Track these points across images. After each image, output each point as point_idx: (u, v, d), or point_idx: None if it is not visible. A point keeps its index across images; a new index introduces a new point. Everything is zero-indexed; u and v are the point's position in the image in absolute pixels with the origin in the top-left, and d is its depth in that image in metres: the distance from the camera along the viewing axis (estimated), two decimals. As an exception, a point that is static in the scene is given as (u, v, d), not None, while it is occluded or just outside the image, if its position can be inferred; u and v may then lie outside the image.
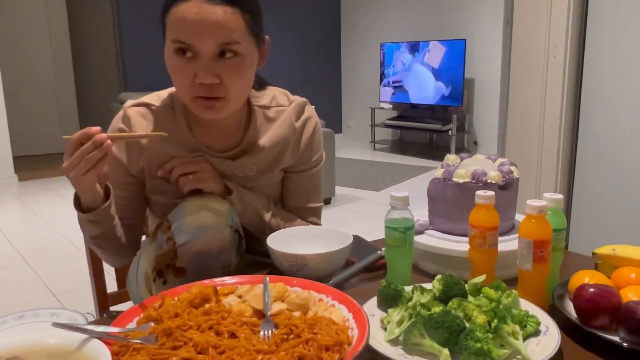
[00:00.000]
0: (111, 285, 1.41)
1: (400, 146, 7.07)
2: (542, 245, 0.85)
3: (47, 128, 6.64)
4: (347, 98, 8.10)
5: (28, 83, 6.59)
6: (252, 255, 1.18)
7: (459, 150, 6.25)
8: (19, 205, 4.53)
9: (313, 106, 1.23)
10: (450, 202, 1.03)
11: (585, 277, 0.87)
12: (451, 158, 1.12)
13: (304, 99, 1.21)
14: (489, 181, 1.00)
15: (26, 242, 3.56)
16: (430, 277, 1.04)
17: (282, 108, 1.17)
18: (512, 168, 1.04)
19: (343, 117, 8.20)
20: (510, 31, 1.67)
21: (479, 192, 0.91)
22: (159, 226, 1.00)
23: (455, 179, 1.02)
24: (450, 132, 6.03)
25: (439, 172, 1.06)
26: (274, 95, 1.18)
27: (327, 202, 4.39)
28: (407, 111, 6.68)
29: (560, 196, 0.90)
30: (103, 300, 1.39)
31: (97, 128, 0.91)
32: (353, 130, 8.02)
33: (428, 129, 6.32)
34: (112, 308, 1.41)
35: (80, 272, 2.70)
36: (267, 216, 1.15)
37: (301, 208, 1.23)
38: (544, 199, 0.90)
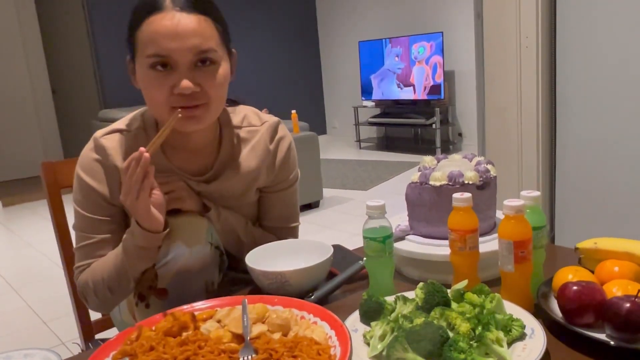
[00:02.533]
0: (95, 313, 1.38)
1: (386, 143, 7.07)
2: (522, 245, 0.83)
3: (29, 151, 6.57)
4: (329, 98, 8.09)
5: (7, 108, 6.51)
6: (234, 272, 1.16)
7: (445, 142, 6.27)
8: (4, 231, 4.47)
9: (285, 124, 1.22)
10: (428, 206, 1.01)
11: (569, 274, 0.85)
12: (427, 160, 1.11)
13: (276, 119, 1.18)
14: (466, 182, 0.99)
15: (13, 268, 3.51)
16: (414, 283, 1.02)
17: (254, 128, 1.14)
18: (489, 167, 1.03)
19: (327, 117, 8.19)
20: (481, 24, 1.66)
21: (456, 195, 0.89)
22: None
23: (432, 182, 1.00)
24: (434, 126, 6.04)
25: (415, 176, 1.04)
26: (245, 115, 1.16)
27: (315, 205, 4.37)
28: (390, 108, 6.68)
29: (538, 193, 0.89)
30: (87, 329, 1.36)
31: (141, 154, 0.89)
32: (338, 131, 8.01)
33: (412, 124, 6.33)
34: (98, 335, 1.38)
35: (69, 296, 2.65)
36: (244, 234, 1.13)
37: (278, 228, 1.21)
38: (521, 197, 0.88)
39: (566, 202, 1.72)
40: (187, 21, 0.93)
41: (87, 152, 1.07)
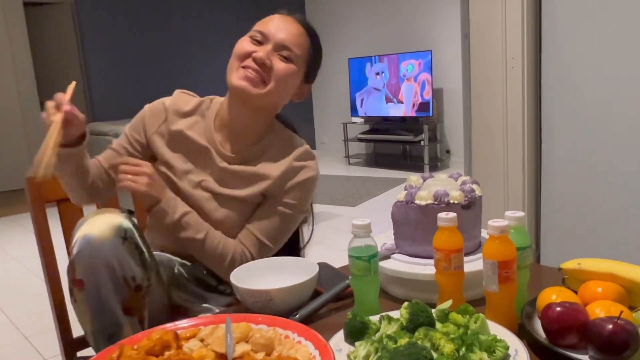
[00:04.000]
0: (78, 329, 1.36)
1: (374, 159, 7.09)
2: (506, 265, 0.84)
3: (14, 164, 6.50)
4: (319, 114, 8.12)
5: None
6: (198, 288, 1.22)
7: (433, 159, 6.30)
8: (-13, 246, 4.41)
9: (315, 161, 1.28)
10: (414, 225, 1.02)
11: (552, 295, 0.86)
12: (413, 179, 1.11)
13: (312, 153, 1.27)
14: (452, 201, 0.99)
15: (-4, 283, 3.45)
16: (399, 302, 1.02)
17: (292, 147, 1.24)
18: (474, 186, 1.04)
19: (316, 133, 8.21)
20: (468, 44, 1.68)
21: (441, 215, 0.89)
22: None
23: (417, 201, 1.01)
24: (422, 143, 6.08)
25: (401, 195, 1.04)
26: (292, 136, 1.27)
27: (304, 221, 4.36)
28: (379, 124, 6.71)
29: (522, 214, 0.89)
30: (69, 346, 1.34)
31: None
32: (327, 146, 8.03)
33: (401, 141, 6.36)
34: (81, 353, 1.36)
35: (52, 312, 2.61)
36: (201, 235, 1.17)
37: (249, 230, 1.21)
38: (505, 217, 0.89)
39: (552, 222, 1.73)
40: (292, 24, 1.20)
41: (164, 98, 1.29)
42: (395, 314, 0.87)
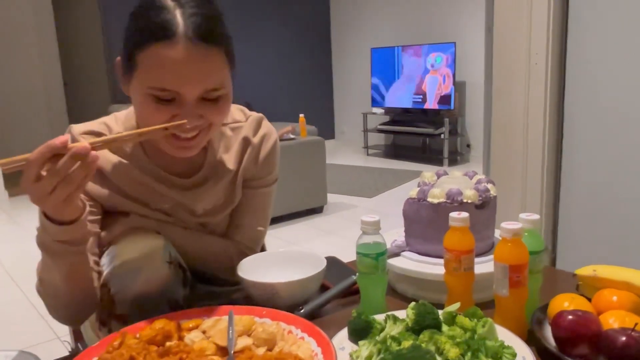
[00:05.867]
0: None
1: (393, 151, 7.04)
2: (518, 269, 0.81)
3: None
4: (339, 104, 8.08)
5: (18, 98, 6.54)
6: (204, 285, 1.12)
7: (452, 153, 6.23)
8: (8, 222, 4.48)
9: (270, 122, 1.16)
10: (425, 223, 0.99)
11: (565, 302, 0.83)
12: (427, 176, 1.09)
13: (260, 115, 1.14)
14: (465, 200, 0.96)
15: (15, 259, 3.51)
16: (407, 300, 1.00)
17: (238, 124, 1.10)
18: (489, 186, 1.01)
19: (336, 122, 8.18)
20: (491, 38, 1.63)
21: (453, 214, 0.87)
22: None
23: (430, 199, 0.98)
24: (442, 136, 6.01)
25: (413, 192, 1.02)
26: (230, 112, 1.10)
27: (319, 210, 4.36)
28: (399, 116, 6.65)
29: (537, 217, 0.87)
30: (78, 330, 1.35)
31: (62, 139, 0.72)
32: (346, 136, 7.99)
33: (420, 133, 6.30)
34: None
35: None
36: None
37: (242, 227, 1.12)
38: (519, 220, 0.86)
39: (569, 225, 1.69)
40: (199, 58, 0.84)
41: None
42: (401, 313, 0.85)
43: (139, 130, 0.82)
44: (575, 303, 0.82)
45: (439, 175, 1.09)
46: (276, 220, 3.96)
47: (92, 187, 0.99)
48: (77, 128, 1.00)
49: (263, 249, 1.29)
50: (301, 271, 1.00)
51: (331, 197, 4.63)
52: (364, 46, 7.24)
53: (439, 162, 6.10)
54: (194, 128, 0.90)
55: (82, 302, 0.93)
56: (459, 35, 6.13)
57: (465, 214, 0.87)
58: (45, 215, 0.79)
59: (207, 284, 1.13)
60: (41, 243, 0.84)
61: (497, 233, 1.09)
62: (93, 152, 0.73)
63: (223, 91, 0.90)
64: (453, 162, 6.18)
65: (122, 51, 0.91)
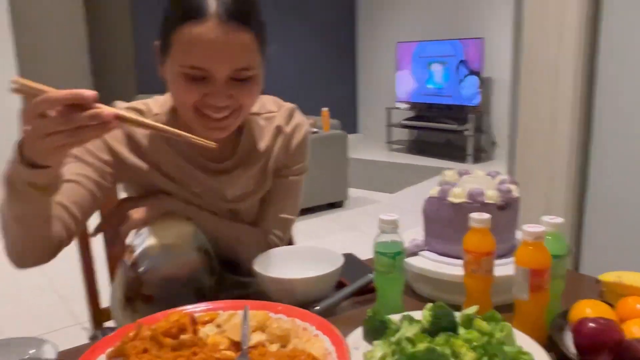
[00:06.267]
0: (106, 299, 1.38)
1: (416, 146, 6.98)
2: (539, 274, 0.79)
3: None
4: (363, 98, 8.03)
5: (46, 84, 6.64)
6: (233, 275, 1.13)
7: (477, 150, 6.15)
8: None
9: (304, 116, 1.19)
10: (445, 223, 0.98)
11: (587, 308, 0.81)
12: (449, 174, 1.07)
13: (293, 105, 1.17)
14: (487, 201, 0.95)
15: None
16: (425, 301, 0.99)
17: (271, 114, 1.14)
18: (512, 187, 0.99)
19: (360, 117, 8.14)
20: (519, 35, 1.59)
21: (473, 215, 0.85)
22: (124, 250, 0.95)
23: (450, 199, 0.96)
24: (467, 133, 5.94)
25: (434, 191, 1.00)
26: (264, 103, 1.15)
27: (339, 205, 4.35)
28: (423, 111, 6.59)
29: (560, 220, 0.84)
30: (98, 316, 1.37)
31: (93, 93, 0.71)
32: (370, 131, 7.95)
33: (445, 129, 6.23)
34: (107, 323, 1.38)
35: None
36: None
37: (272, 215, 1.15)
38: (542, 223, 0.84)
39: (594, 229, 1.64)
40: (230, 37, 0.88)
41: None
42: (417, 314, 0.84)
43: (165, 128, 0.80)
44: (598, 310, 0.80)
45: (461, 174, 1.07)
46: (297, 213, 3.96)
47: (133, 159, 1.02)
48: (121, 104, 1.06)
49: (291, 240, 1.30)
50: (318, 268, 0.99)
51: (352, 192, 4.61)
52: (389, 40, 7.18)
53: (463, 159, 6.03)
54: (224, 108, 0.93)
55: (29, 246, 0.91)
56: (487, 30, 6.03)
57: (486, 215, 0.85)
58: (21, 152, 0.74)
59: (235, 273, 1.14)
60: (8, 177, 0.78)
61: (519, 235, 1.07)
62: (115, 121, 0.72)
63: (253, 72, 0.93)
64: (477, 159, 6.11)
65: (159, 33, 0.96)
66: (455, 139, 6.55)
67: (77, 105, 0.70)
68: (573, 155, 1.60)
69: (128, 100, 1.09)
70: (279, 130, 1.12)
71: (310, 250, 1.08)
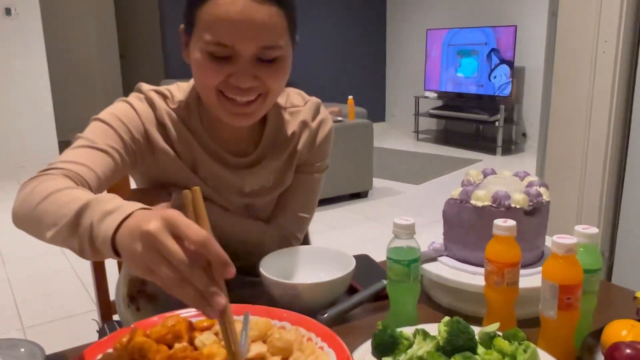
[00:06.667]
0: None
1: (444, 137, 6.84)
2: (569, 290, 0.71)
3: (92, 112, 6.76)
4: (391, 86, 7.90)
5: (75, 69, 6.72)
6: (242, 276, 1.07)
7: (507, 142, 5.99)
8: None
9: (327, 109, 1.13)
10: (467, 228, 0.90)
11: (623, 330, 0.72)
12: (473, 174, 0.99)
13: (318, 100, 1.12)
14: (513, 205, 0.86)
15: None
16: (443, 311, 0.92)
17: (296, 109, 1.09)
18: (542, 190, 0.90)
19: (387, 105, 8.01)
20: (555, 23, 1.49)
21: (498, 222, 0.78)
22: None
23: (473, 202, 0.89)
24: (497, 124, 5.77)
25: (455, 192, 0.93)
26: (289, 95, 1.10)
27: (364, 195, 4.27)
28: (452, 100, 6.44)
29: (595, 230, 0.76)
30: (106, 309, 1.34)
31: (232, 275, 0.59)
32: (397, 119, 7.82)
33: (474, 120, 6.07)
34: (116, 316, 1.35)
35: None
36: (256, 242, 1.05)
37: (288, 212, 1.10)
38: (575, 233, 0.76)
39: (631, 238, 1.53)
40: (257, 11, 0.83)
41: (135, 99, 0.98)
42: (433, 328, 0.77)
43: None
44: (635, 332, 0.72)
45: (485, 174, 0.99)
46: (319, 203, 3.89)
47: (162, 144, 0.97)
48: (147, 86, 1.01)
49: (307, 238, 1.25)
50: (328, 271, 0.93)
51: (377, 182, 4.53)
52: (419, 27, 7.02)
53: (492, 151, 5.88)
54: (249, 90, 0.88)
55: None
56: (520, 18, 5.83)
57: (512, 222, 0.77)
58: (114, 237, 0.62)
59: (245, 274, 1.08)
60: (82, 227, 0.67)
61: (549, 241, 0.98)
62: (212, 314, 0.59)
63: (280, 52, 0.88)
64: (507, 151, 5.94)
65: (184, 15, 0.91)
66: (484, 129, 6.39)
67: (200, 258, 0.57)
68: (609, 154, 1.49)
69: (155, 84, 1.05)
70: (304, 124, 1.07)
71: (321, 251, 1.01)
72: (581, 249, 0.75)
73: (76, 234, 0.67)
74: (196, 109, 1.00)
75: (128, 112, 0.96)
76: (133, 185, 1.15)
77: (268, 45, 0.86)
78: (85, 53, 6.79)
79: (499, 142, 5.81)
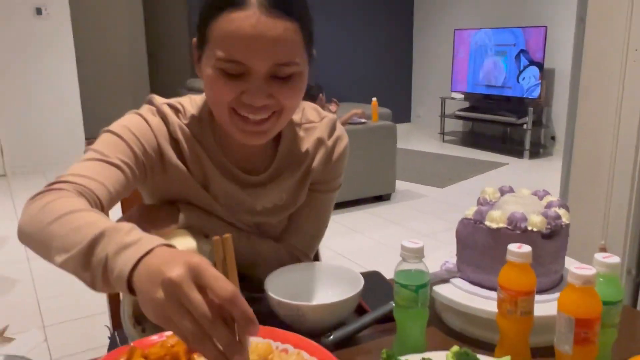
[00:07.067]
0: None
1: (471, 139, 6.73)
2: (587, 324, 0.67)
3: (121, 111, 6.84)
4: (417, 86, 7.81)
5: (104, 67, 6.81)
6: (248, 292, 1.05)
7: (535, 145, 5.86)
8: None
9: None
10: (481, 250, 0.86)
11: (645, 367, 0.68)
12: (489, 192, 0.95)
13: (334, 116, 1.09)
14: (530, 228, 0.82)
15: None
16: (454, 335, 0.88)
17: (312, 125, 1.05)
18: (562, 211, 0.86)
19: (413, 105, 7.93)
20: (583, 29, 1.42)
21: (512, 247, 0.73)
22: None
23: (487, 223, 0.84)
24: (525, 126, 5.65)
25: (470, 211, 0.88)
26: (304, 110, 1.06)
27: (387, 198, 4.22)
28: (479, 102, 6.33)
29: (617, 260, 0.71)
30: (117, 315, 1.33)
31: (255, 331, 0.55)
32: (422, 120, 7.74)
33: (501, 122, 5.95)
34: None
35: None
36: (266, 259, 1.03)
37: (299, 231, 1.08)
38: (594, 262, 0.71)
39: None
40: (271, 27, 0.80)
41: (147, 112, 0.96)
42: (441, 356, 0.73)
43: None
44: (658, 371, 0.67)
45: (502, 192, 0.95)
46: (340, 205, 3.87)
47: (175, 160, 0.95)
48: (159, 98, 0.99)
49: (317, 256, 1.22)
50: (336, 290, 0.91)
51: (400, 185, 4.47)
52: (447, 27, 6.92)
53: (520, 154, 5.76)
54: (262, 109, 0.85)
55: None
56: (550, 18, 5.70)
57: (527, 248, 0.73)
58: (130, 276, 0.59)
59: (252, 290, 1.04)
60: (91, 283, 0.65)
61: (568, 262, 0.94)
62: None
63: (295, 69, 0.85)
64: (535, 154, 5.81)
65: (196, 28, 0.89)
66: (512, 132, 6.27)
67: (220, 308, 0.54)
68: (638, 166, 1.43)
69: (182, 83, 1.04)
70: (320, 142, 1.04)
71: (329, 268, 0.98)
72: (600, 279, 0.70)
73: (88, 265, 0.64)
74: (209, 124, 0.98)
75: (141, 125, 0.94)
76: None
77: (283, 62, 0.83)
78: (113, 51, 6.87)
79: (527, 145, 5.69)
